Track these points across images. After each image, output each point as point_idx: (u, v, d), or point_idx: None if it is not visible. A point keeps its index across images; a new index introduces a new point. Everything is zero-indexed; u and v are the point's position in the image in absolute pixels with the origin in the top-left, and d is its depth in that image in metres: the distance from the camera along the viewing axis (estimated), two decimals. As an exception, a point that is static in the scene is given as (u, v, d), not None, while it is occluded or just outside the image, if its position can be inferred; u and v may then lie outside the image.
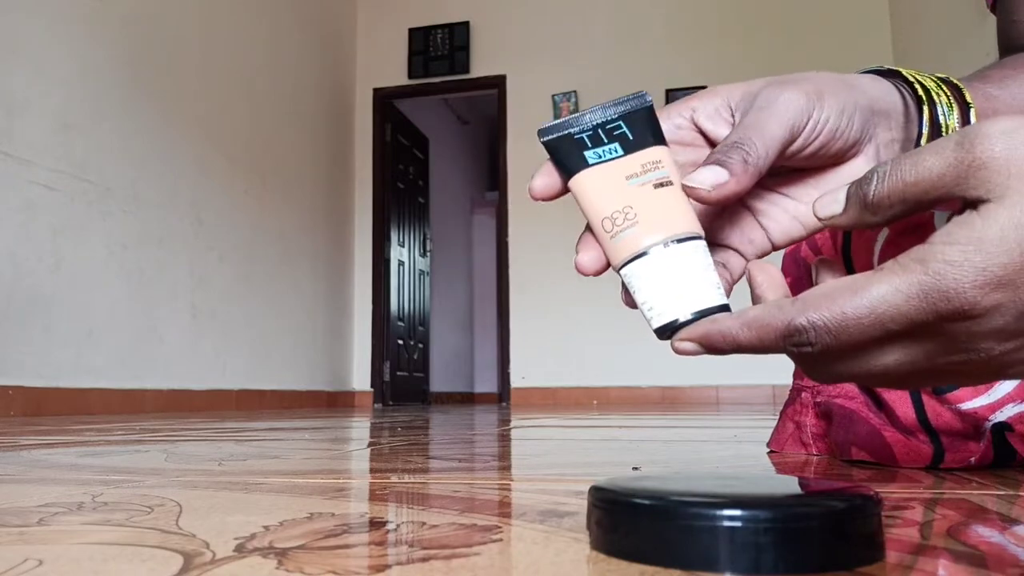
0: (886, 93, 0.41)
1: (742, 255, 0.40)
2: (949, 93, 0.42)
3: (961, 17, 3.59)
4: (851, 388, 0.76)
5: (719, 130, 0.39)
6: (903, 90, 0.42)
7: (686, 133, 0.40)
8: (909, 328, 0.29)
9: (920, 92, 0.42)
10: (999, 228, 0.27)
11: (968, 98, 0.42)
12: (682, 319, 0.34)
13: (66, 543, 0.36)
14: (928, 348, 0.30)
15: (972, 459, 0.62)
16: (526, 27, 5.28)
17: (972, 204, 0.28)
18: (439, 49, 5.38)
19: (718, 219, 0.41)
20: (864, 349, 0.30)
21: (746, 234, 0.41)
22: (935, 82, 0.43)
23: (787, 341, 0.31)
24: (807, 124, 0.37)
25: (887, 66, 0.43)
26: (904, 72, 0.43)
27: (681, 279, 0.34)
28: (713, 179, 0.34)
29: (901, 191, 0.30)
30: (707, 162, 0.35)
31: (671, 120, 0.40)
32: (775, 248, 0.41)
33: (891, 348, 0.30)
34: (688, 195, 0.35)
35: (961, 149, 0.28)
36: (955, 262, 0.27)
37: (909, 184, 0.29)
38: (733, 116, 0.39)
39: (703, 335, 0.33)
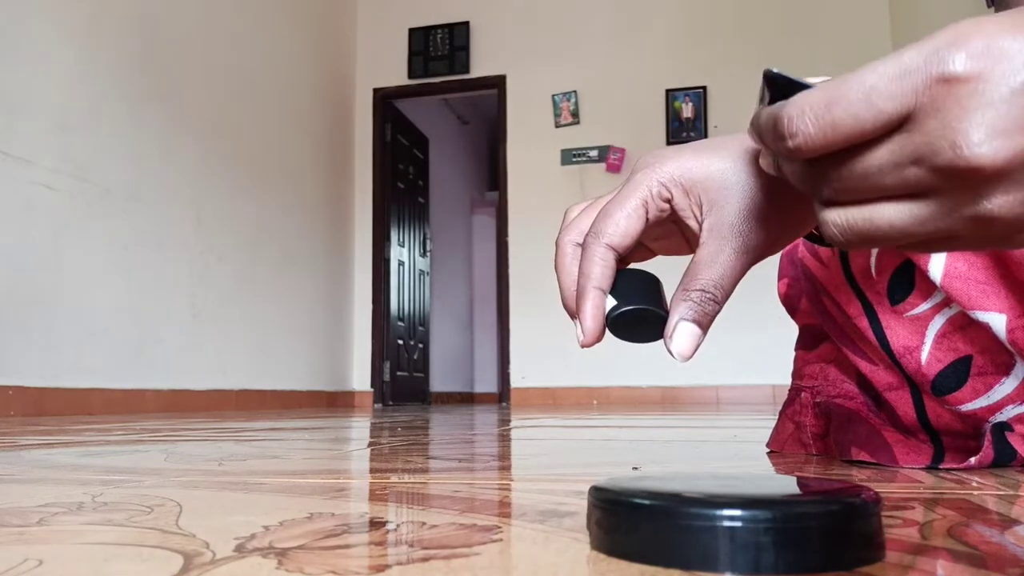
0: None
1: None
2: None
3: (961, 17, 3.59)
4: (851, 388, 0.76)
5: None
6: None
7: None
8: (906, 113, 0.26)
9: None
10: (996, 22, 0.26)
11: None
12: None
13: (66, 543, 0.36)
14: (934, 203, 0.27)
15: (972, 459, 0.62)
16: (526, 27, 5.28)
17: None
18: (439, 49, 5.38)
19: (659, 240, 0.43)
20: (857, 161, 0.28)
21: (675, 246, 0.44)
22: None
23: (775, 134, 0.28)
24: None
25: None
26: None
27: None
28: (693, 344, 0.38)
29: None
30: (683, 318, 0.38)
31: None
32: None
33: (891, 177, 0.27)
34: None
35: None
36: (961, 27, 0.26)
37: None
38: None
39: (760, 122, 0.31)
